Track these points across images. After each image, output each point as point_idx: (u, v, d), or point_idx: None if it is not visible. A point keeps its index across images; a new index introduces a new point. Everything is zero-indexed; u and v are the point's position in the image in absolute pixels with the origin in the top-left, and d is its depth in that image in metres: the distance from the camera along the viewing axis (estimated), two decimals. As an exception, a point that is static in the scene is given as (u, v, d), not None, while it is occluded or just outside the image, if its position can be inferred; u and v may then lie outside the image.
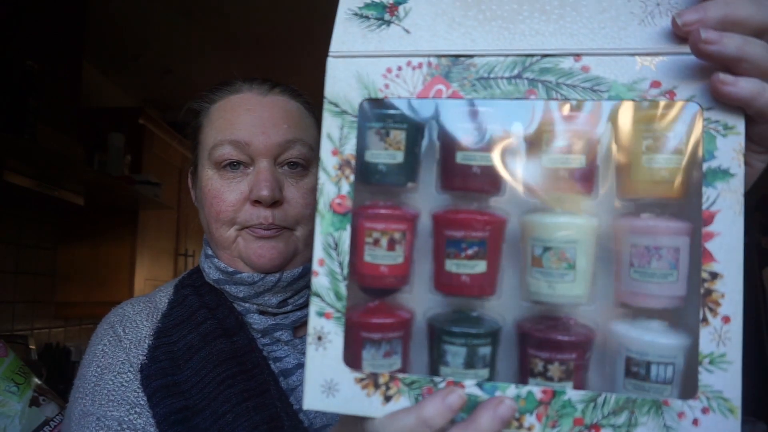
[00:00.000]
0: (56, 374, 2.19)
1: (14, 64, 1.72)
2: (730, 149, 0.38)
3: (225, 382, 0.67)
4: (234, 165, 0.72)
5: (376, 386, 0.40)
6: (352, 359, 0.41)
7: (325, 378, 0.41)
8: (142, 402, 0.67)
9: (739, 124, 0.38)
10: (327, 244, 0.42)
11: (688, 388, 0.39)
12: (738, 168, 0.38)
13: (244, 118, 0.72)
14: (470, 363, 0.43)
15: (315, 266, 0.42)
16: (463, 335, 0.43)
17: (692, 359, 0.39)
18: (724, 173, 0.38)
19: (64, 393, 1.00)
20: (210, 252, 0.77)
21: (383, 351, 0.43)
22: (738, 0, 0.38)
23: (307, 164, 0.74)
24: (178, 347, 0.70)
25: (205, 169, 0.74)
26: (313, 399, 0.41)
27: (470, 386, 0.40)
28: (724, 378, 0.37)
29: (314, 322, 0.41)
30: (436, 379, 0.40)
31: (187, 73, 2.95)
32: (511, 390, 0.39)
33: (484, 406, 0.37)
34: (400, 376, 0.40)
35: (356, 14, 0.44)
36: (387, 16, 0.43)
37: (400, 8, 0.44)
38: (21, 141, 1.64)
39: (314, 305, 0.41)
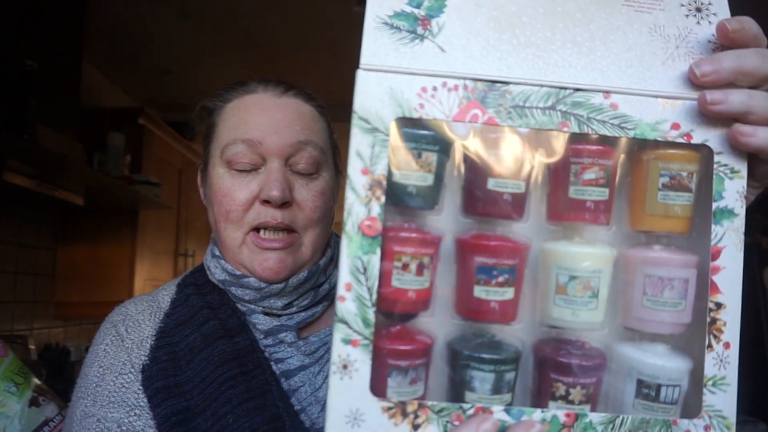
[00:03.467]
0: (56, 374, 2.19)
1: (14, 63, 1.72)
2: (735, 191, 0.42)
3: (226, 383, 0.67)
4: (245, 164, 0.72)
5: (404, 415, 0.40)
6: (376, 387, 0.40)
7: (350, 408, 0.40)
8: (142, 404, 0.67)
9: (744, 169, 0.42)
10: (355, 267, 0.40)
11: (691, 407, 0.43)
12: (741, 208, 0.42)
13: (257, 118, 0.72)
14: (497, 389, 0.43)
15: (341, 291, 0.40)
16: (492, 361, 0.43)
17: (693, 381, 0.43)
18: (729, 213, 0.42)
19: (64, 393, 0.99)
20: (218, 252, 0.76)
21: (409, 378, 0.43)
22: (748, 53, 0.42)
23: (317, 167, 0.74)
24: (179, 348, 0.70)
25: (216, 167, 0.73)
26: (336, 430, 0.40)
27: (498, 412, 0.40)
28: (724, 398, 0.41)
29: (339, 350, 0.40)
30: (465, 405, 0.41)
31: (187, 73, 2.95)
32: (537, 414, 0.41)
33: (515, 430, 0.39)
34: (429, 403, 0.40)
35: (386, 23, 0.43)
36: (420, 30, 0.43)
37: (433, 22, 0.43)
38: (21, 141, 1.64)
39: (339, 332, 0.40)
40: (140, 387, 0.68)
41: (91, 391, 0.69)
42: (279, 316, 0.74)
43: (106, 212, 2.53)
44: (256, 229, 0.71)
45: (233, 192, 0.71)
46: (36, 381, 1.02)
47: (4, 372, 0.96)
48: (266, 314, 0.74)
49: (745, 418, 1.87)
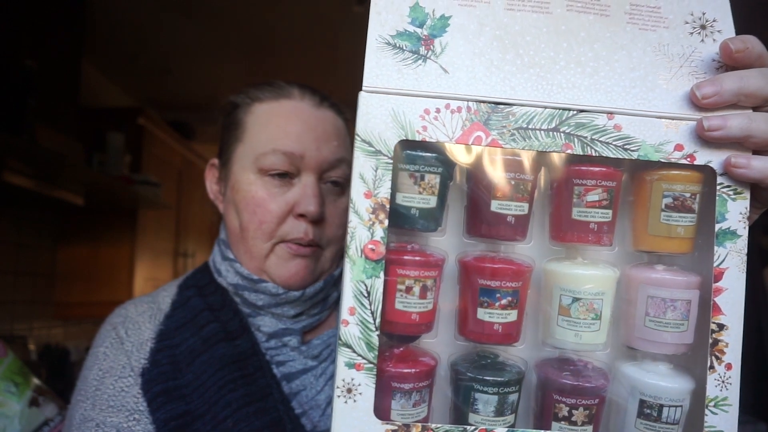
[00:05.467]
0: (55, 374, 2.18)
1: (13, 63, 1.72)
2: (738, 212, 0.42)
3: (226, 386, 0.66)
4: (280, 174, 0.70)
5: None
6: (380, 410, 0.41)
7: (354, 431, 0.40)
8: (141, 408, 0.66)
9: (746, 191, 0.42)
10: (359, 291, 0.41)
11: (692, 427, 0.43)
12: (744, 230, 0.42)
13: (297, 129, 0.71)
14: (500, 410, 0.43)
15: (345, 315, 0.41)
16: (495, 384, 0.43)
17: (695, 401, 0.43)
18: (732, 234, 0.42)
19: (64, 393, 0.99)
20: (231, 255, 0.75)
21: (413, 401, 0.43)
22: (750, 73, 0.42)
23: (346, 183, 0.73)
24: (180, 350, 0.70)
25: (247, 173, 0.72)
26: None
27: None
28: (726, 419, 0.42)
29: (343, 374, 0.40)
30: (468, 428, 0.41)
31: (187, 73, 2.95)
32: None
33: None
34: (433, 426, 0.41)
35: (389, 43, 0.42)
36: (422, 50, 0.42)
37: (436, 42, 0.43)
38: (20, 141, 1.63)
39: (343, 356, 0.40)
40: (140, 391, 0.67)
41: (90, 394, 0.68)
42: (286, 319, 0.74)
43: (105, 212, 2.53)
44: (283, 241, 0.71)
45: (267, 203, 0.70)
46: (36, 381, 1.02)
47: (3, 372, 0.95)
48: (273, 315, 0.73)
49: (744, 418, 1.87)
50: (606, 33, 0.44)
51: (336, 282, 0.77)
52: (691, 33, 0.44)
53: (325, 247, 0.73)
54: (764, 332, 2.05)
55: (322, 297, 0.75)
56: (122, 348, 0.70)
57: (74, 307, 2.50)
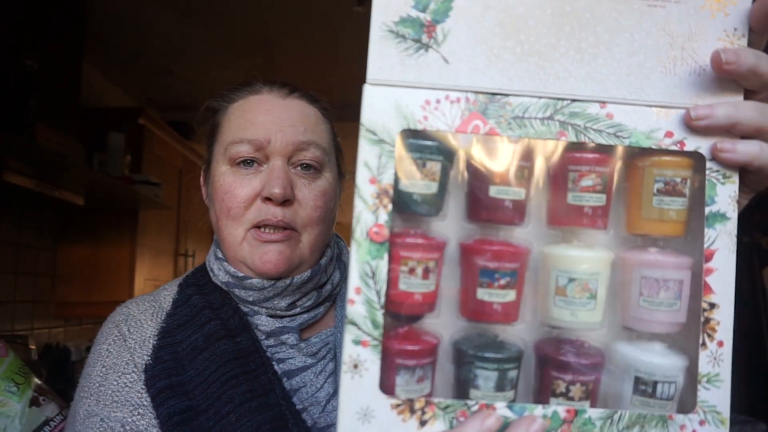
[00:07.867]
0: (56, 374, 2.19)
1: (14, 63, 1.72)
2: (727, 195, 0.44)
3: (229, 382, 0.68)
4: (248, 162, 0.72)
5: (412, 411, 0.42)
6: (385, 385, 0.42)
7: (361, 405, 0.42)
8: (145, 403, 0.68)
9: (735, 175, 0.44)
10: (364, 272, 0.42)
11: (686, 403, 0.45)
12: (733, 212, 0.44)
13: (262, 118, 0.73)
14: (500, 386, 0.45)
15: (351, 294, 0.42)
16: (495, 360, 0.45)
17: (688, 378, 0.45)
18: (722, 216, 0.44)
19: (64, 393, 0.99)
20: (220, 255, 0.77)
21: (417, 377, 0.45)
22: (745, 105, 0.43)
23: (320, 167, 0.74)
24: (182, 347, 0.71)
25: (219, 165, 0.74)
26: (348, 426, 0.41)
27: (501, 408, 0.42)
28: (718, 394, 0.43)
29: (350, 350, 0.42)
30: (469, 402, 0.42)
31: (188, 73, 2.95)
32: (538, 410, 0.42)
33: (518, 425, 0.41)
34: (435, 400, 0.42)
35: (392, 31, 0.43)
36: (425, 38, 0.43)
37: (438, 28, 0.44)
38: (21, 141, 1.64)
39: (350, 333, 0.42)
40: (143, 386, 0.68)
41: (94, 390, 0.69)
42: (282, 317, 0.75)
43: (106, 212, 2.54)
44: (257, 227, 0.72)
45: (235, 189, 0.72)
46: (36, 381, 1.02)
47: (4, 372, 0.96)
48: (269, 316, 0.74)
49: (744, 418, 1.87)
50: (612, 13, 0.44)
51: (325, 269, 0.77)
52: (703, 6, 0.44)
53: (301, 231, 0.73)
54: (764, 333, 2.05)
55: (312, 287, 0.76)
56: (125, 345, 0.72)
57: (75, 306, 2.51)
